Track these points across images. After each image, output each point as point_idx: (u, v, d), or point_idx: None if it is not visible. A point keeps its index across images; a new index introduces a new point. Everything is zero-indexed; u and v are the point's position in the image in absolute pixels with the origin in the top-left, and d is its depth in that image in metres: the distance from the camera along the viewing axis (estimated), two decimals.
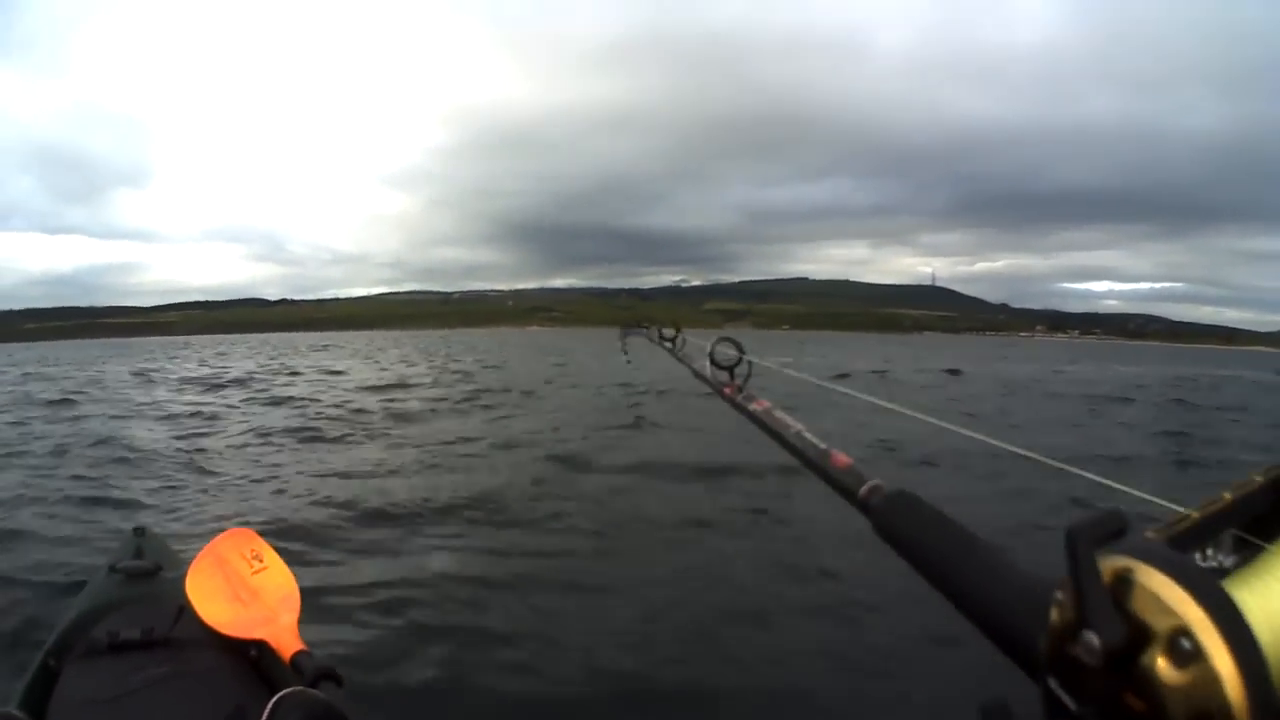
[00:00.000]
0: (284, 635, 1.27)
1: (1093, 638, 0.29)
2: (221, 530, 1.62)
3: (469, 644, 2.47)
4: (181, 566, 1.61)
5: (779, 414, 0.85)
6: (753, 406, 0.92)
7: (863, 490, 0.59)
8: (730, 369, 1.05)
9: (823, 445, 0.71)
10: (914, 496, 0.54)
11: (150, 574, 1.62)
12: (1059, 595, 0.32)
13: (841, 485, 0.63)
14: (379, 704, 2.04)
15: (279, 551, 1.53)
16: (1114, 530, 0.31)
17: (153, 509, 4.17)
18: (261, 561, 1.49)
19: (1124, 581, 0.30)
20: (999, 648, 0.40)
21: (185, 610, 1.37)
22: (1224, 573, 0.35)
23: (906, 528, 0.52)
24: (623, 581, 3.07)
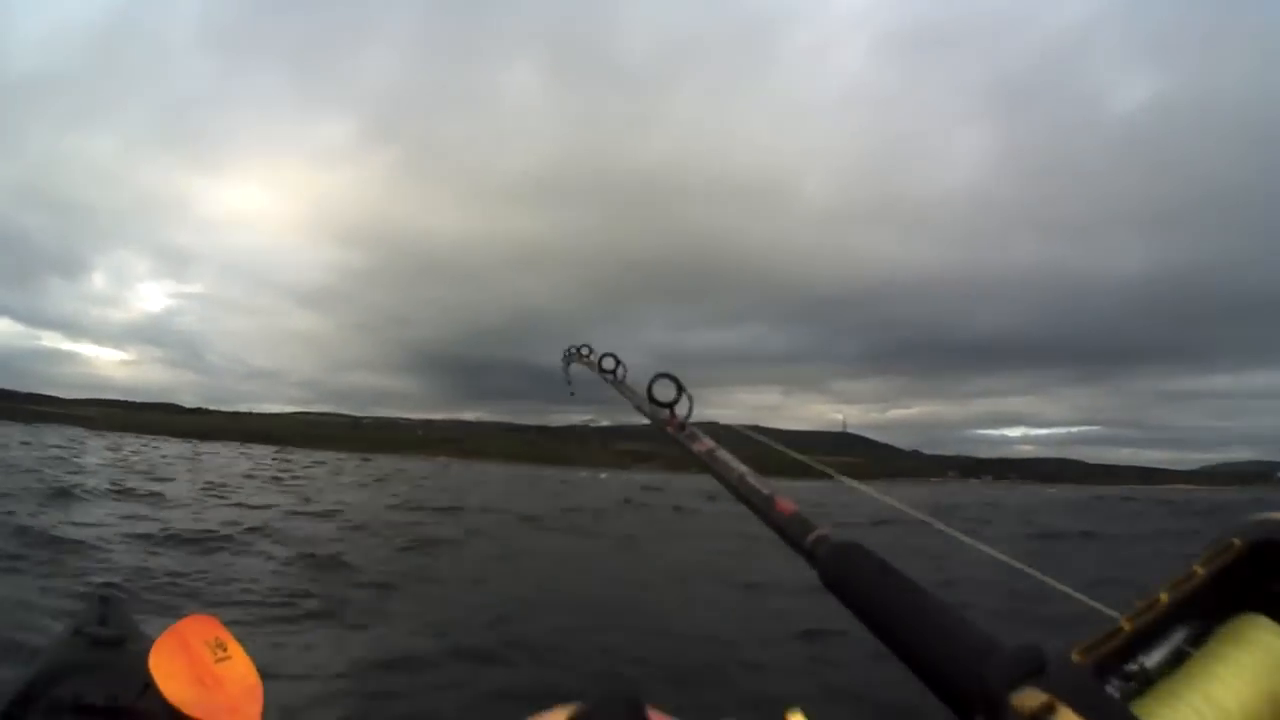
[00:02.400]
0: None
1: None
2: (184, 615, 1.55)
3: None
4: (144, 640, 1.58)
5: (723, 455, 0.83)
6: (695, 446, 0.88)
7: (809, 539, 0.59)
8: (670, 406, 0.96)
9: (767, 491, 0.69)
10: (860, 547, 0.53)
11: (115, 643, 1.58)
12: None
13: (787, 533, 0.62)
14: None
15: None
16: (1031, 669, 0.32)
17: None
18: (225, 651, 1.44)
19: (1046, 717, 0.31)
20: (943, 701, 0.41)
21: (151, 686, 1.32)
22: (1151, 681, 0.37)
23: (853, 579, 0.51)
24: None
